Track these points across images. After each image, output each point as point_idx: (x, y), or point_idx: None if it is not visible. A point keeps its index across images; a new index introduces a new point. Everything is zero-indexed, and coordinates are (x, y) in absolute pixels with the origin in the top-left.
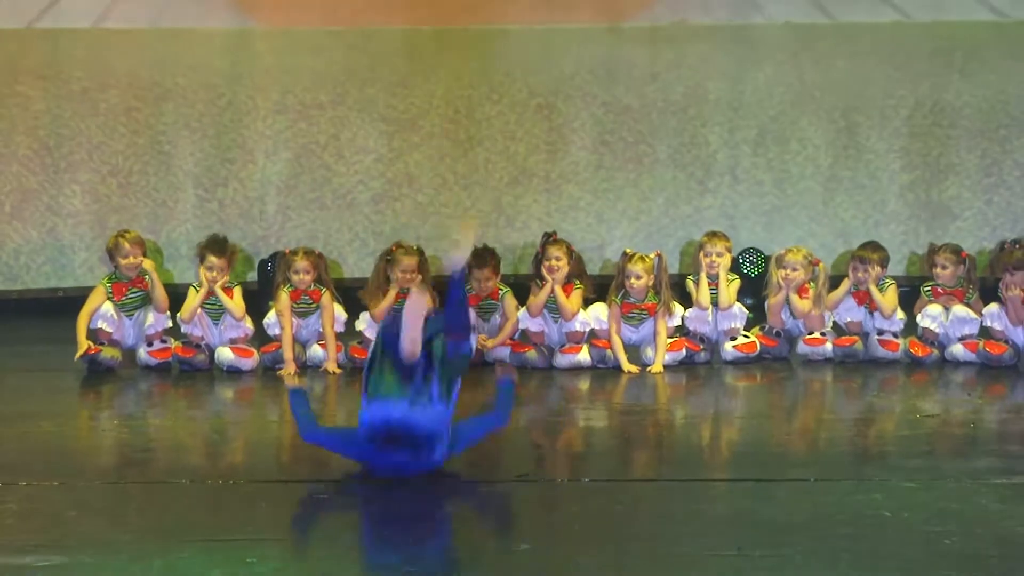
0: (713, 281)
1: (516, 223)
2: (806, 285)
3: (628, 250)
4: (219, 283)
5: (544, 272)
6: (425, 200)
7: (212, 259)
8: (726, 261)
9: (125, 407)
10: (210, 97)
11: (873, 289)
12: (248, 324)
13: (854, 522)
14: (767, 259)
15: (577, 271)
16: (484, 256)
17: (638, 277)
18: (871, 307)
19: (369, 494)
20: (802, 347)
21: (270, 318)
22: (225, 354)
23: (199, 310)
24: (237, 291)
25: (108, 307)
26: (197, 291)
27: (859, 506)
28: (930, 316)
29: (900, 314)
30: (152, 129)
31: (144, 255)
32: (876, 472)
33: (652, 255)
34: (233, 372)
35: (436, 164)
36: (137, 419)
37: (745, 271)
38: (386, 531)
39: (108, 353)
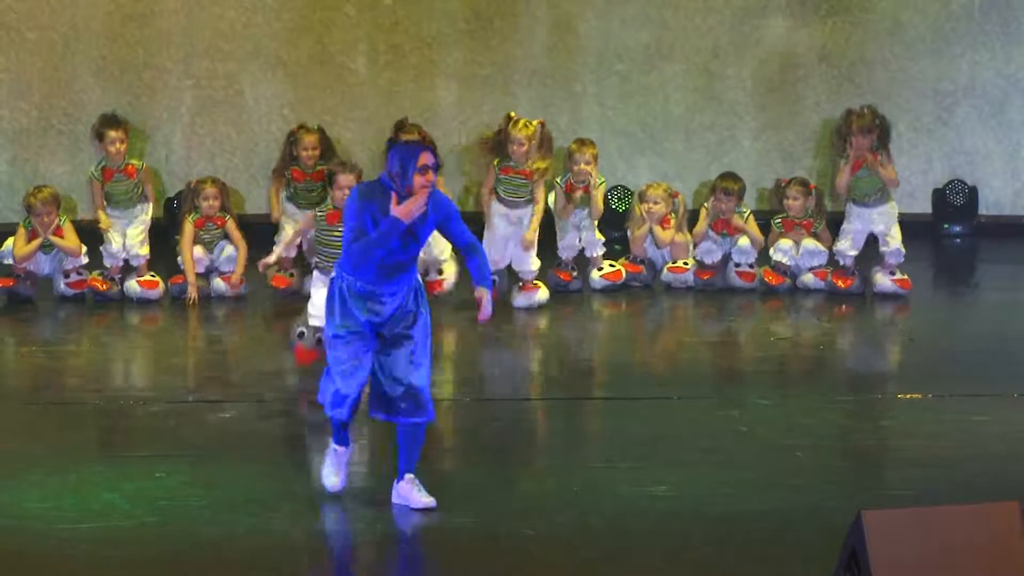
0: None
1: None
2: (668, 216)
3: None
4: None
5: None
6: None
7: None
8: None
9: (42, 333)
10: None
11: (737, 220)
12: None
13: (713, 436)
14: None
15: None
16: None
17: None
18: (729, 232)
19: (268, 412)
20: (666, 275)
21: (180, 249)
22: (133, 287)
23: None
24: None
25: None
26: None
27: (718, 422)
28: (781, 251)
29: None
30: None
31: (58, 210)
32: (733, 390)
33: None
34: (143, 302)
35: None
36: (54, 344)
37: (613, 207)
38: (276, 451)
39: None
